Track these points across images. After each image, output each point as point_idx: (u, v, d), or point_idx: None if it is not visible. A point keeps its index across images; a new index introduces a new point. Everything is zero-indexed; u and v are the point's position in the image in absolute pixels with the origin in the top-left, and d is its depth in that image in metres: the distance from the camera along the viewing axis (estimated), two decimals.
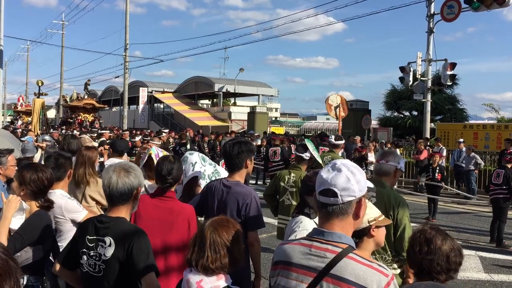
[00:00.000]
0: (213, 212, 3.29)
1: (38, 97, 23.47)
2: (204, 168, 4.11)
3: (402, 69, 17.44)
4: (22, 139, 9.36)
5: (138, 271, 2.31)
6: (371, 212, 2.30)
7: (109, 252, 2.33)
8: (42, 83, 26.50)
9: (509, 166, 8.77)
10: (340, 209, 1.76)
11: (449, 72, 16.36)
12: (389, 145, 15.18)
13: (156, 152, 4.36)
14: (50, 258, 2.92)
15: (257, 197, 3.34)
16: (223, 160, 3.94)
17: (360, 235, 2.27)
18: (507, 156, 9.23)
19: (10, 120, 44.09)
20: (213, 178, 3.94)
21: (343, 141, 7.86)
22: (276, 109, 65.90)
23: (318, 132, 43.20)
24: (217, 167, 4.20)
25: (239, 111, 34.32)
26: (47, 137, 8.95)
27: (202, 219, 3.49)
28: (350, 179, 1.75)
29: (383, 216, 2.37)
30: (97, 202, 4.36)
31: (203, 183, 3.93)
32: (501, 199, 8.58)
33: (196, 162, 4.04)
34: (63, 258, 2.51)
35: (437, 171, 10.87)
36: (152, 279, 2.32)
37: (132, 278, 2.34)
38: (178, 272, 2.93)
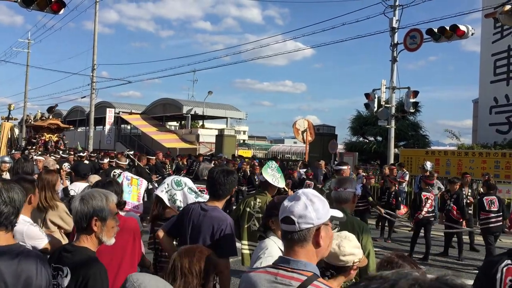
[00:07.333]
0: (187, 233, 3.30)
1: (7, 121, 23.59)
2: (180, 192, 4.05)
3: (367, 95, 17.89)
4: None
5: None
6: (359, 253, 2.33)
7: (65, 282, 2.28)
8: (13, 108, 26.46)
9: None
10: (299, 236, 1.81)
11: (412, 100, 16.88)
12: (356, 172, 15.36)
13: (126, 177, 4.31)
14: None
15: (232, 224, 3.37)
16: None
17: (339, 271, 2.30)
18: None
19: None
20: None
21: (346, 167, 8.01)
22: (244, 132, 66.20)
23: (286, 155, 43.57)
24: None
25: (207, 134, 34.28)
26: (6, 158, 8.65)
27: (176, 242, 3.48)
28: (307, 206, 1.80)
29: (364, 256, 2.43)
30: (59, 227, 4.25)
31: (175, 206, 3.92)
32: (361, 211, 10.41)
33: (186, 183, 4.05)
34: None
35: (393, 195, 11.19)
36: None
37: None
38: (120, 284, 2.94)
